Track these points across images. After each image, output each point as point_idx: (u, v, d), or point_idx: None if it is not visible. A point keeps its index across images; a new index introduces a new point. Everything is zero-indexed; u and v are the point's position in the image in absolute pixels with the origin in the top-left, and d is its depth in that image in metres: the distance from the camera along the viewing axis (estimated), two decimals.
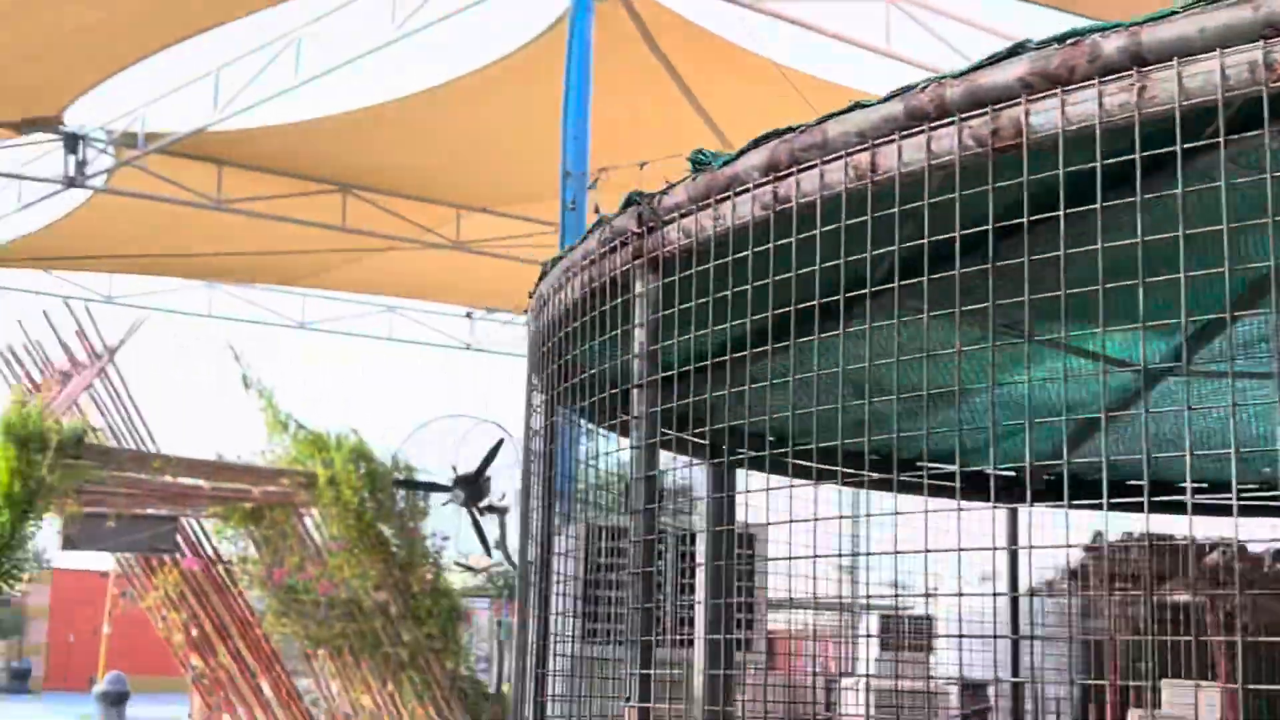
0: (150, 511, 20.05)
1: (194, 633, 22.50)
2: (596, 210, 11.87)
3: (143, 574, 22.92)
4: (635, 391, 2.43)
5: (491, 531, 15.74)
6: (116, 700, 26.45)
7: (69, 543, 19.60)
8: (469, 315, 19.02)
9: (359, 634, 18.74)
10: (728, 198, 2.17)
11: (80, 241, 14.68)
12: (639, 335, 2.42)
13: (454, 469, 6.91)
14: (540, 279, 3.11)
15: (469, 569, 17.81)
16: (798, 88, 10.32)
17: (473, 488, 6.92)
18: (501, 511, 7.20)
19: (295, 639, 21.21)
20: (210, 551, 21.40)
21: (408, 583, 17.96)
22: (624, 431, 3.31)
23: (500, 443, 8.26)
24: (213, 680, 23.00)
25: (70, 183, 11.87)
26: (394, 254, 15.68)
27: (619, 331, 2.63)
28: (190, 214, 13.95)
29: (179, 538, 20.72)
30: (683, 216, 2.28)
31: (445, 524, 7.73)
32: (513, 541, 9.59)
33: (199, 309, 16.84)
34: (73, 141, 11.78)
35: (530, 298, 3.39)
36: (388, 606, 18.10)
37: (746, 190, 2.15)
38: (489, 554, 8.26)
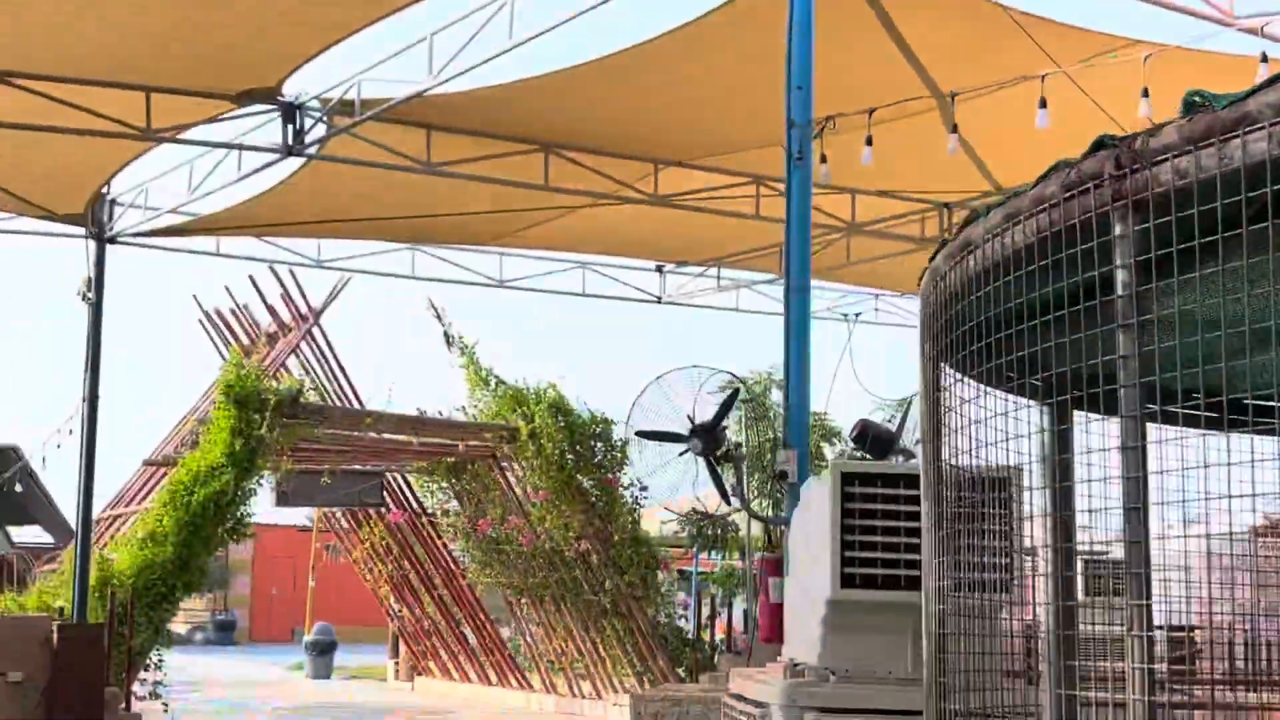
0: (357, 467, 20.83)
1: (399, 583, 23.34)
2: (824, 160, 11.93)
3: (349, 528, 23.83)
4: (1121, 336, 2.45)
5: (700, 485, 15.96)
6: (325, 649, 27.60)
7: (282, 499, 20.45)
8: (660, 269, 19.19)
9: (561, 583, 19.21)
10: (1235, 136, 2.19)
11: (293, 208, 15.26)
12: (1121, 277, 2.46)
13: (690, 419, 7.05)
14: (965, 224, 3.03)
15: (698, 515, 17.99)
16: (1023, 27, 10.16)
17: (710, 437, 7.08)
18: (738, 460, 7.34)
19: (498, 588, 21.84)
20: (414, 505, 22.15)
21: (608, 532, 18.33)
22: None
23: (735, 392, 8.40)
24: (418, 629, 23.84)
25: (289, 151, 12.33)
26: (589, 211, 15.93)
27: (1086, 276, 2.62)
28: (396, 179, 14.36)
29: (385, 492, 21.49)
30: (1176, 157, 2.30)
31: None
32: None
33: (402, 270, 17.36)
34: (290, 111, 12.20)
35: (944, 245, 3.27)
36: (589, 556, 18.51)
37: (1260, 129, 2.14)
38: (727, 502, 8.40)
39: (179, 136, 12.55)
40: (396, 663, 25.68)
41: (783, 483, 7.89)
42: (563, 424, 18.25)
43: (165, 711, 15.81)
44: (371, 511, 22.53)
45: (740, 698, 6.22)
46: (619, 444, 18.65)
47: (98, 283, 15.24)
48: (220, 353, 23.15)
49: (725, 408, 7.54)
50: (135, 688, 15.49)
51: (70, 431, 16.06)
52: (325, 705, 21.51)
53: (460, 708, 21.25)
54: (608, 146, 13.45)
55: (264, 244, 16.61)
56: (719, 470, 7.71)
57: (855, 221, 15.42)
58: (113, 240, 15.44)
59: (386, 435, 18.37)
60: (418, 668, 24.46)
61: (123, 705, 15.21)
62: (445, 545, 22.21)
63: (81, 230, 15.24)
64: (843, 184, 14.59)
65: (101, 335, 15.31)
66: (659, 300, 19.15)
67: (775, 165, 14.54)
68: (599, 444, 18.54)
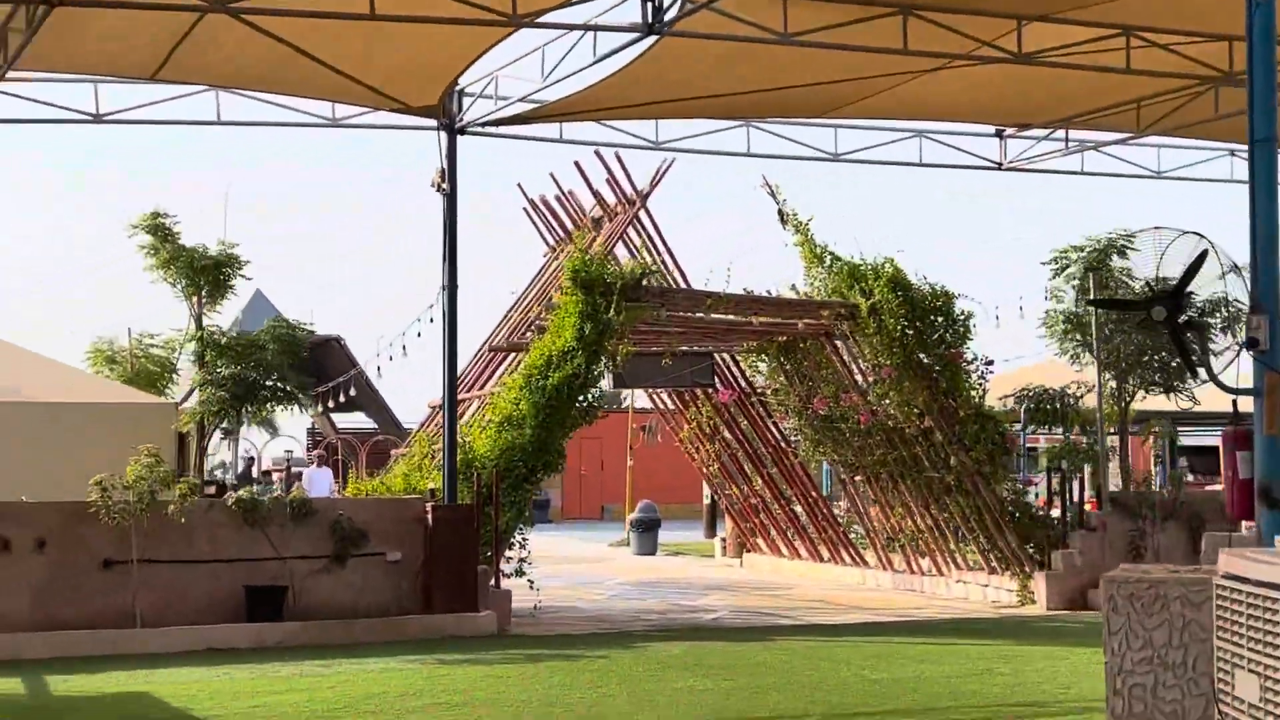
0: (687, 349, 20.92)
1: (727, 462, 23.52)
2: None
3: (676, 409, 24.08)
4: None
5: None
6: (649, 527, 28.21)
7: (619, 381, 20.73)
8: (1000, 134, 18.39)
9: (899, 460, 18.94)
10: None
11: (637, 90, 15.17)
12: None
13: (1149, 285, 6.61)
14: None
15: None
16: None
17: (1173, 303, 6.59)
18: (1201, 329, 6.87)
19: (831, 466, 21.74)
20: (743, 385, 22.19)
21: (953, 408, 17.91)
22: None
23: (1204, 254, 7.86)
24: (745, 506, 24.04)
25: (649, 29, 12.16)
26: (930, 76, 15.32)
27: None
28: (740, 53, 14.06)
29: (715, 373, 21.57)
30: None
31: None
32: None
33: (737, 148, 17.12)
34: None
35: None
36: (931, 433, 18.16)
37: None
38: (1193, 374, 7.91)
39: (539, 20, 12.53)
40: (723, 539, 26.00)
41: (1252, 350, 7.33)
42: (903, 299, 17.83)
43: (532, 588, 16.34)
44: (698, 392, 22.68)
45: (1241, 579, 5.82)
46: (961, 317, 18.12)
47: (450, 173, 15.54)
48: (545, 240, 23.55)
49: (1190, 272, 7.02)
50: (502, 565, 16.05)
51: (430, 320, 16.57)
52: (665, 580, 21.94)
53: (797, 582, 21.37)
54: (970, 3, 12.78)
55: (604, 128, 16.58)
56: (1184, 338, 7.21)
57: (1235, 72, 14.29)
58: (463, 131, 15.70)
59: (720, 316, 18.33)
60: (745, 545, 24.70)
61: (493, 583, 15.81)
62: (775, 423, 22.21)
63: (433, 122, 15.54)
64: None
65: (457, 225, 15.65)
66: (999, 166, 18.38)
67: (1147, 15, 13.64)
68: (940, 318, 18.06)
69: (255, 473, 32.31)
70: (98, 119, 14.54)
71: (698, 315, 18.08)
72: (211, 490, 17.56)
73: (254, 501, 14.82)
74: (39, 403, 17.12)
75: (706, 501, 33.39)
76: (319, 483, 23.39)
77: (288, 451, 40.59)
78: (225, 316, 21.26)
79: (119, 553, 14.10)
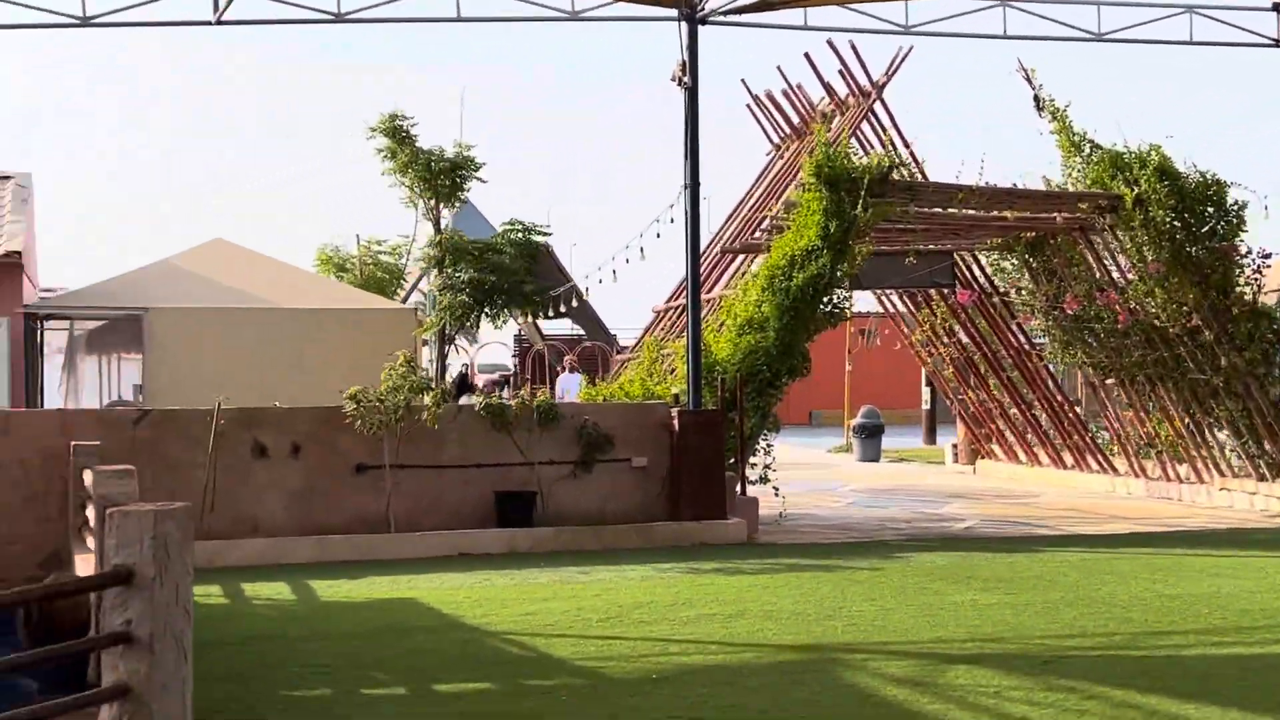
0: (927, 247, 20.02)
1: (962, 366, 22.62)
2: None
3: (907, 310, 23.22)
4: None
5: None
6: (873, 433, 27.49)
7: (855, 282, 19.91)
8: (1277, 8, 16.90)
9: (1159, 362, 17.83)
10: None
11: None
12: None
13: None
14: None
15: None
16: None
17: None
18: None
19: (1080, 369, 20.70)
20: (984, 284, 21.21)
21: (1225, 306, 16.73)
22: None
23: None
24: (980, 411, 23.14)
25: None
26: None
27: None
28: None
29: (955, 272, 20.64)
30: None
31: None
32: None
33: (993, 29, 16.07)
34: None
35: None
36: (1198, 332, 17.00)
37: None
38: None
39: None
40: (954, 445, 25.16)
41: None
42: (1171, 188, 16.62)
43: (776, 495, 15.88)
44: (932, 293, 21.79)
45: None
46: (1234, 207, 16.85)
47: (692, 66, 14.91)
48: (769, 138, 22.79)
49: None
50: (747, 472, 15.61)
51: (670, 220, 16.06)
52: (899, 488, 21.28)
53: (1039, 490, 20.48)
54: None
55: (849, 13, 15.70)
56: None
57: None
58: (704, 21, 15.02)
59: (968, 211, 17.38)
60: (979, 451, 23.84)
61: (739, 489, 15.39)
62: (1016, 325, 21.20)
63: (674, 12, 14.89)
64: None
65: (699, 119, 15.04)
66: (1275, 44, 16.91)
67: None
68: (1210, 209, 16.81)
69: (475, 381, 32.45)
70: (339, 18, 14.27)
71: (944, 211, 17.17)
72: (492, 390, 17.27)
73: (502, 407, 14.64)
74: (287, 309, 17.25)
75: (926, 406, 32.49)
76: (572, 388, 23.17)
77: (504, 368, 40.95)
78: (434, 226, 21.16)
79: (371, 458, 14.08)
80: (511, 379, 35.99)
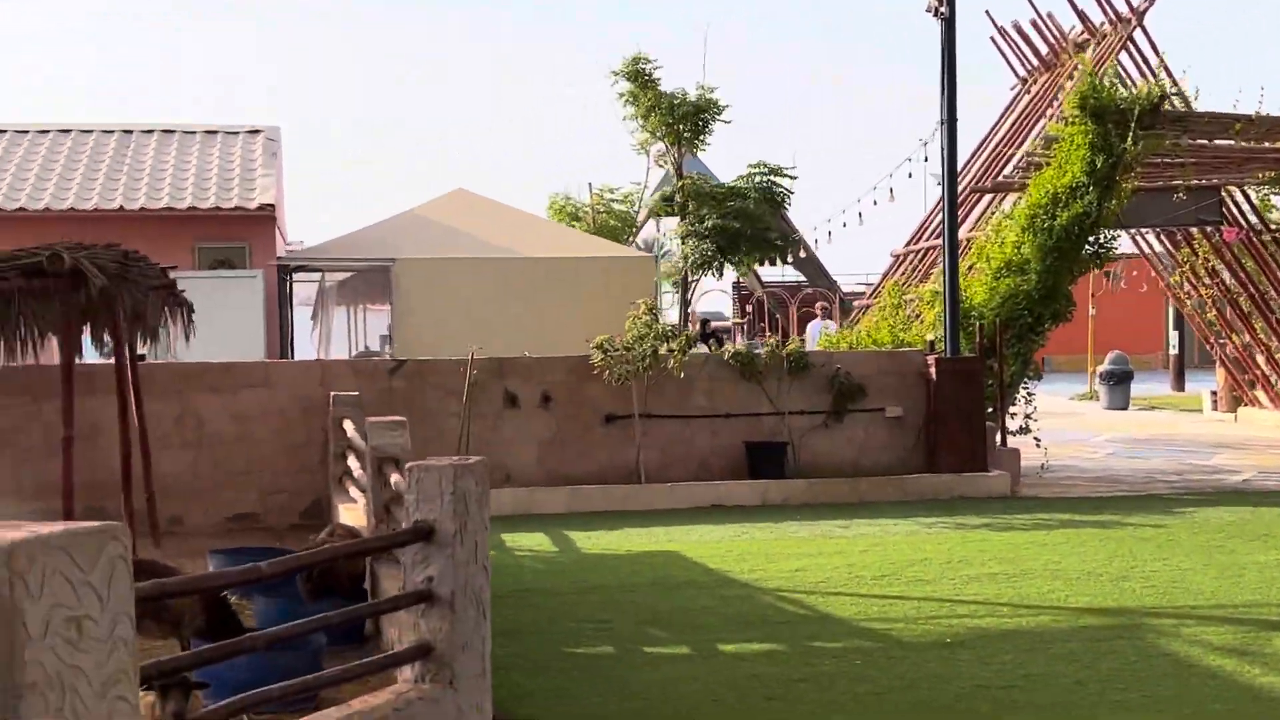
0: (1196, 182, 18.83)
1: (1224, 308, 21.33)
2: None
3: (1166, 250, 21.99)
4: None
5: None
6: (1120, 379, 26.20)
7: (1115, 221, 18.92)
8: None
9: None
10: None
11: None
12: None
13: None
14: None
15: None
16: None
17: None
18: None
19: None
20: (1253, 221, 19.91)
21: None
22: None
23: None
24: (1245, 357, 21.80)
25: None
26: None
27: None
28: None
29: (1222, 208, 19.40)
30: None
31: None
32: None
33: None
34: None
35: None
36: None
37: None
38: None
39: None
40: (1213, 393, 23.79)
41: None
42: None
43: (1038, 446, 15.14)
44: (1191, 231, 20.55)
45: None
46: None
47: None
48: (1014, 71, 21.76)
49: None
50: (1007, 422, 14.91)
51: (925, 159, 15.39)
52: (1158, 437, 20.14)
53: None
54: None
55: None
56: None
57: None
58: None
59: (1243, 144, 16.20)
60: (1242, 398, 22.47)
61: (999, 440, 14.71)
62: None
63: None
64: None
65: (955, 52, 14.30)
66: None
67: None
68: None
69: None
70: None
71: (1214, 143, 16.03)
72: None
73: (750, 355, 14.26)
74: (528, 258, 17.18)
75: (1174, 351, 30.91)
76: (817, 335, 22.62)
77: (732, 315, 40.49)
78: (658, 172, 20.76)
79: (620, 408, 13.88)
80: (731, 330, 35.56)
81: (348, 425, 12.10)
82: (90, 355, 11.34)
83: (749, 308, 41.23)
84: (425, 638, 5.83)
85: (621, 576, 9.86)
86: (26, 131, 20.57)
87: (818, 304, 27.93)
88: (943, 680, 6.96)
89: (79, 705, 3.83)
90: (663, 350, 13.68)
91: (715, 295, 42.46)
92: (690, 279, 18.46)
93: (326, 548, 5.45)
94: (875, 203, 18.52)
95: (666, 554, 10.82)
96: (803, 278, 40.06)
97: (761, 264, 27.46)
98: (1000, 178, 17.92)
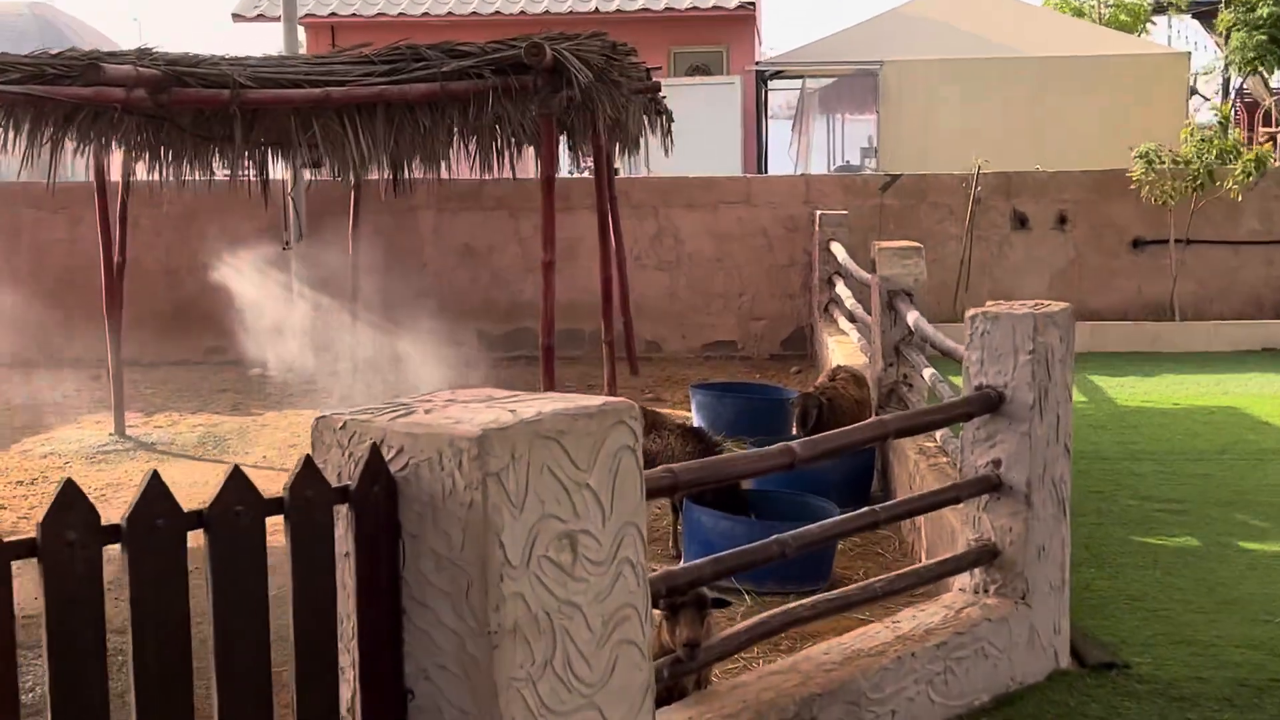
0: None
1: None
2: None
3: None
4: None
5: None
6: None
7: None
8: None
9: None
10: None
11: None
12: None
13: None
14: None
15: None
16: None
17: None
18: None
19: None
20: None
21: None
22: None
23: None
24: None
25: None
26: None
27: None
28: None
29: None
30: None
31: None
32: None
33: None
34: None
35: None
36: None
37: None
38: None
39: None
40: None
41: None
42: None
43: None
44: None
45: None
46: None
47: None
48: None
49: None
50: None
51: None
52: None
53: None
54: None
55: None
56: None
57: None
58: None
59: None
60: None
61: None
62: None
63: None
64: None
65: None
66: None
67: None
68: None
69: None
70: None
71: None
72: None
73: None
74: (1034, 57, 15.13)
75: None
76: None
77: None
78: None
79: (1150, 231, 11.88)
80: None
81: (836, 248, 10.83)
82: (563, 168, 10.53)
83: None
84: (989, 538, 4.48)
85: (1176, 439, 8.13)
86: None
87: None
88: None
89: (572, 654, 2.74)
90: (1219, 169, 11.47)
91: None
92: (1237, 76, 15.78)
93: (872, 422, 4.13)
94: None
95: (1225, 410, 8.95)
96: None
97: None
98: None
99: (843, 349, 9.68)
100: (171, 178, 9.29)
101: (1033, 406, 4.35)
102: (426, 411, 2.74)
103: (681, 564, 5.94)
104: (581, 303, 11.09)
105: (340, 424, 2.76)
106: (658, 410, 7.12)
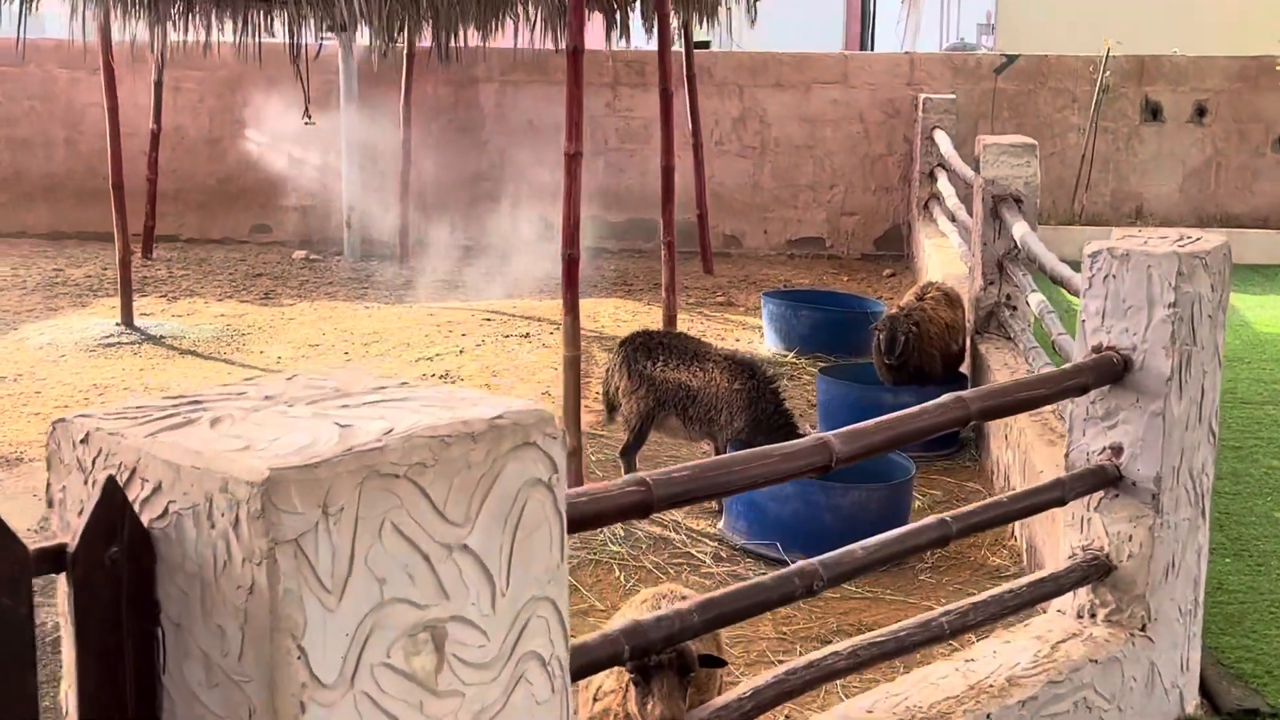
0: None
1: None
2: None
3: None
4: None
5: None
6: None
7: None
8: None
9: None
10: None
11: None
12: None
13: None
14: None
15: None
16: None
17: None
18: None
19: None
20: None
21: None
22: None
23: None
24: None
25: None
26: None
27: None
28: None
29: None
30: None
31: None
32: None
33: None
34: None
35: None
36: None
37: None
38: None
39: None
40: None
41: None
42: None
43: None
44: None
45: None
46: None
47: None
48: None
49: None
50: None
51: None
52: None
53: None
54: None
55: None
56: None
57: None
58: None
59: None
60: None
61: None
62: None
63: None
64: None
65: None
66: None
67: None
68: None
69: None
70: None
71: None
72: None
73: None
74: None
75: None
76: None
77: None
78: None
79: None
80: None
81: (940, 137, 9.62)
82: (637, 39, 9.38)
83: None
84: (1100, 547, 3.40)
85: None
86: None
87: None
88: None
89: None
90: None
91: None
92: None
93: (949, 400, 3.03)
94: None
95: None
96: None
97: None
98: None
99: (941, 254, 8.54)
100: (204, 37, 8.53)
101: (1170, 378, 3.24)
102: (214, 422, 1.73)
103: (721, 524, 4.98)
104: (656, 190, 10.00)
105: (82, 435, 1.76)
106: (702, 339, 6.09)
